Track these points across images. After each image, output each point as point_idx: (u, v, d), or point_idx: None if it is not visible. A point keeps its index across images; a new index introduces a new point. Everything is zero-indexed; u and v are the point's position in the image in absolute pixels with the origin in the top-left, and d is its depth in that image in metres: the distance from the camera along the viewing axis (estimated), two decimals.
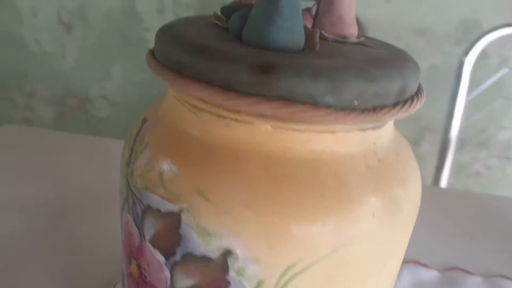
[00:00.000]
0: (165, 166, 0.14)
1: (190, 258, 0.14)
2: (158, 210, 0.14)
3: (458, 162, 1.12)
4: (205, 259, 0.14)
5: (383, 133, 0.15)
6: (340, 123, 0.13)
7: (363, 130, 0.14)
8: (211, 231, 0.13)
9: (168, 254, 0.14)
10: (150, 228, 0.15)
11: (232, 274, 0.14)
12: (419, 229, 0.45)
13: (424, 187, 0.51)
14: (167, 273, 0.15)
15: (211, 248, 0.13)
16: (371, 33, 1.03)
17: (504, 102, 0.90)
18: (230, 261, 0.13)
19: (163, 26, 0.15)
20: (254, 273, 0.13)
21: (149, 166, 0.15)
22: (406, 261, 0.38)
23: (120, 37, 1.06)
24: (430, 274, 0.37)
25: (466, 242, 0.43)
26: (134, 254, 0.16)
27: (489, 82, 0.85)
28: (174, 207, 0.14)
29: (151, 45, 1.08)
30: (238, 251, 0.13)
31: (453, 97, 0.89)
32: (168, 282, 0.15)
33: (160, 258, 0.15)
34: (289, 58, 0.13)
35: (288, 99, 0.12)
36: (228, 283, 0.14)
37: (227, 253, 0.13)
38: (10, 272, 0.32)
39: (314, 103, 0.12)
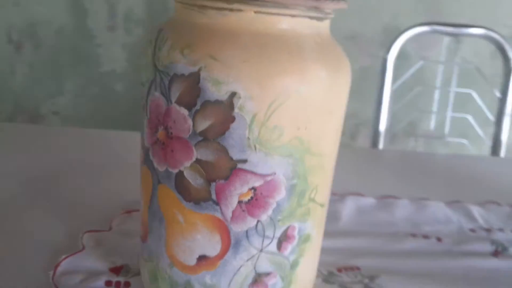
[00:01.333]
0: (184, 44, 0.21)
1: (207, 104, 0.21)
2: (182, 75, 0.21)
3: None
4: (217, 102, 0.21)
5: (323, 26, 0.23)
6: (295, 5, 0.21)
7: (311, 18, 0.22)
8: (221, 80, 0.20)
9: (190, 106, 0.21)
10: (176, 91, 0.21)
11: (236, 111, 0.21)
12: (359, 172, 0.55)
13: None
14: (190, 122, 0.21)
15: (222, 93, 0.21)
16: None
17: (423, 89, 1.04)
18: (235, 100, 0.21)
19: None
20: (250, 108, 0.21)
21: (172, 49, 0.22)
22: (350, 193, 0.47)
23: (71, 53, 1.10)
24: (369, 201, 0.46)
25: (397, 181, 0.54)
26: (161, 120, 0.23)
27: (408, 74, 0.99)
28: (194, 69, 0.21)
29: (103, 59, 1.12)
30: (240, 92, 0.20)
31: (380, 92, 1.01)
32: (191, 129, 0.22)
33: (184, 111, 0.21)
34: None
35: None
36: (234, 118, 0.21)
37: (233, 94, 0.20)
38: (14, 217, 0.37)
39: None
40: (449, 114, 1.04)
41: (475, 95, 0.96)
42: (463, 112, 1.00)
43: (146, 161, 0.25)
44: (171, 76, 0.21)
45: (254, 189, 0.22)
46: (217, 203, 0.23)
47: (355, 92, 1.21)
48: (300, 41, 0.22)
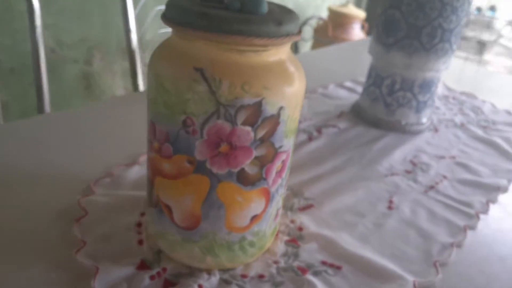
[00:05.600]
0: (241, 82, 0.29)
1: (265, 119, 0.30)
2: (248, 105, 0.29)
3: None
4: (272, 116, 0.30)
5: (287, 51, 0.34)
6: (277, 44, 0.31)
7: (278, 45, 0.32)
8: (274, 102, 0.30)
9: (254, 124, 0.30)
10: (242, 116, 0.29)
11: (281, 118, 0.31)
12: None
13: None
14: (252, 134, 0.30)
15: (275, 109, 0.30)
16: None
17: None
18: (281, 112, 0.31)
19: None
20: (286, 113, 0.31)
21: (232, 87, 0.28)
22: None
23: None
24: None
25: None
26: (224, 138, 0.30)
27: None
28: (258, 99, 0.29)
29: None
30: (284, 105, 0.30)
31: (124, 14, 1.05)
32: (252, 138, 0.30)
33: (248, 128, 0.30)
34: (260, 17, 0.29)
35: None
36: (279, 123, 0.31)
37: (280, 108, 0.30)
38: None
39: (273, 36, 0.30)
40: None
41: None
42: None
43: (199, 170, 0.31)
44: (237, 107, 0.29)
45: (283, 161, 0.34)
46: (265, 179, 0.33)
47: (80, 17, 1.21)
48: (287, 64, 0.32)
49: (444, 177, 0.56)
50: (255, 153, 0.31)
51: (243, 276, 0.37)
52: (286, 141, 0.33)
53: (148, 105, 0.33)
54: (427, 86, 0.65)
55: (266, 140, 0.31)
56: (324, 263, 0.39)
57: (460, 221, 0.47)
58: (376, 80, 0.68)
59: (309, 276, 0.37)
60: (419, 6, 0.58)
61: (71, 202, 0.43)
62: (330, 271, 0.38)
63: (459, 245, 0.44)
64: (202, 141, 0.30)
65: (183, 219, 0.34)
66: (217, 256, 0.35)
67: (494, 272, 0.41)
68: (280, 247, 0.40)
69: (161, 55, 0.31)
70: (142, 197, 0.44)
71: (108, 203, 0.43)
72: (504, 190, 0.55)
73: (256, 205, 0.34)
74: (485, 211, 0.50)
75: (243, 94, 0.29)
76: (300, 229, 0.43)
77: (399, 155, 0.61)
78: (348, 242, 0.42)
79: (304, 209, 0.46)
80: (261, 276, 0.37)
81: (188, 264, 0.36)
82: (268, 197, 0.34)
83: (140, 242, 0.39)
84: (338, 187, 0.51)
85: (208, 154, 0.31)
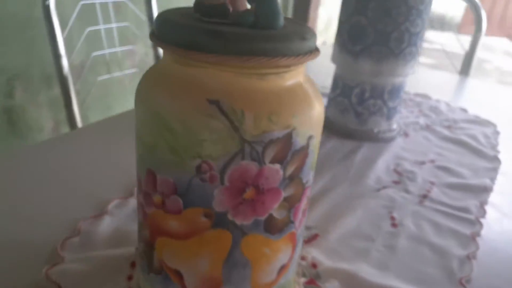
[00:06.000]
0: (268, 112, 0.23)
1: (295, 152, 0.25)
2: (278, 138, 0.24)
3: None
4: (301, 148, 0.25)
5: (304, 70, 0.29)
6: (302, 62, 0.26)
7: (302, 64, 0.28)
8: (304, 131, 0.25)
9: (283, 160, 0.24)
10: (270, 153, 0.24)
11: (310, 148, 0.26)
12: None
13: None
14: (281, 172, 0.25)
15: (304, 140, 0.25)
16: None
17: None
18: (310, 142, 0.26)
19: None
20: (314, 144, 0.26)
21: (257, 119, 0.23)
22: None
23: None
24: None
25: None
26: (250, 182, 0.24)
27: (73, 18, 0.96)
28: (288, 130, 0.24)
29: None
30: (313, 134, 0.26)
31: (52, 40, 0.94)
32: (281, 177, 0.25)
33: (277, 166, 0.24)
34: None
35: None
36: (308, 154, 0.26)
37: (310, 137, 0.25)
38: None
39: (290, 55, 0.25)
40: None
41: None
42: None
43: (219, 224, 0.25)
44: (265, 143, 0.23)
45: (307, 198, 0.29)
46: (293, 222, 0.28)
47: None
48: (306, 86, 0.27)
49: (432, 183, 0.55)
50: (283, 194, 0.26)
51: None
52: (311, 174, 0.28)
53: (141, 149, 0.26)
54: (396, 91, 0.64)
55: (295, 177, 0.26)
56: None
57: (465, 229, 0.46)
58: (344, 90, 0.65)
59: None
60: (386, 12, 0.57)
61: (37, 277, 0.34)
62: None
63: (474, 257, 0.42)
64: (223, 188, 0.24)
65: (199, 286, 0.27)
66: None
67: None
68: None
69: (157, 85, 0.25)
70: (123, 255, 0.37)
71: (83, 271, 0.35)
72: (490, 189, 0.54)
73: (283, 255, 0.28)
74: (483, 214, 0.49)
75: (271, 126, 0.23)
76: (314, 265, 0.38)
77: (382, 165, 0.58)
78: (369, 272, 0.38)
79: (310, 240, 0.42)
80: None
81: None
82: (295, 242, 0.29)
83: None
84: (335, 209, 0.47)
85: (230, 203, 0.25)
